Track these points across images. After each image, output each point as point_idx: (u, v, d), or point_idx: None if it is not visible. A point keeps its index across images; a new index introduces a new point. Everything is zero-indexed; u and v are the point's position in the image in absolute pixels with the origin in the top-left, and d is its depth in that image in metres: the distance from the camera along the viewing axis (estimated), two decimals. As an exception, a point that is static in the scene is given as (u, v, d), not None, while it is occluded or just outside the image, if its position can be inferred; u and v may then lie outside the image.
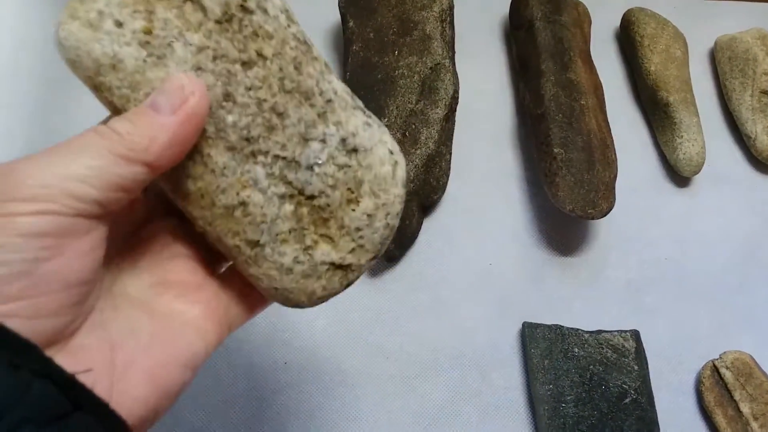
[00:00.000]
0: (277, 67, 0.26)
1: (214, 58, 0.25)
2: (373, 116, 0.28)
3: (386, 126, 0.47)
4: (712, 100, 0.58)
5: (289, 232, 0.27)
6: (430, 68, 0.49)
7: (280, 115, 0.26)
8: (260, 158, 0.26)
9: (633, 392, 0.44)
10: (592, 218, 0.47)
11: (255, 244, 0.26)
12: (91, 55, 0.24)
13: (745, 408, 0.45)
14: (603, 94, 0.53)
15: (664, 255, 0.52)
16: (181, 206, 0.26)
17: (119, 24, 0.24)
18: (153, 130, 0.22)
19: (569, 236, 0.52)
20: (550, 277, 0.50)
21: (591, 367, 0.44)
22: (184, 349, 0.24)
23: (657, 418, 0.44)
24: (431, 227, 0.51)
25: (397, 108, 0.48)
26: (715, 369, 0.46)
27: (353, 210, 0.28)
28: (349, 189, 0.27)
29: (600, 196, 0.47)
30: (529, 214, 0.52)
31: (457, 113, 0.53)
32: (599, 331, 0.46)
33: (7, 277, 0.19)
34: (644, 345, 0.47)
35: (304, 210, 0.27)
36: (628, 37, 0.58)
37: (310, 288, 0.28)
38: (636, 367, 0.45)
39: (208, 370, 0.43)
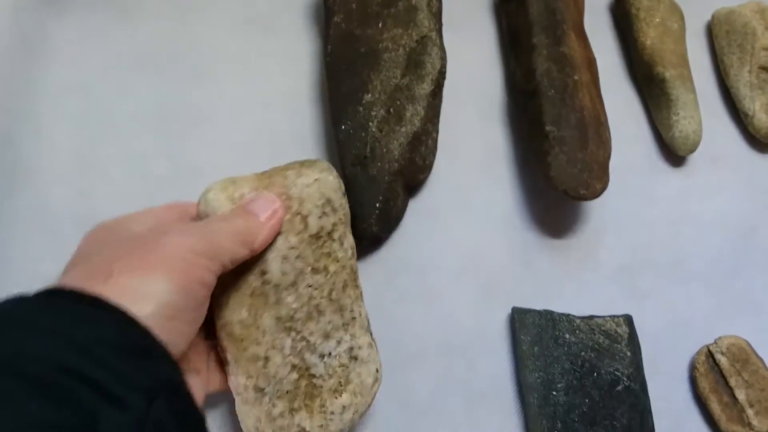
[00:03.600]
0: (332, 282, 0.36)
1: (297, 257, 0.35)
2: (375, 342, 0.39)
3: (370, 102, 0.45)
4: (708, 76, 0.56)
5: (287, 392, 0.35)
6: (416, 41, 0.46)
7: (320, 312, 0.36)
8: (293, 334, 0.35)
9: (626, 379, 0.42)
10: (585, 199, 0.45)
11: (259, 390, 0.35)
12: None
13: (740, 395, 0.43)
14: (597, 70, 0.51)
15: (658, 237, 0.50)
16: (219, 333, 0.35)
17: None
18: (258, 229, 0.33)
19: (560, 218, 0.50)
20: (540, 261, 0.48)
21: (582, 353, 0.43)
22: None
23: (650, 405, 0.43)
24: (417, 209, 0.48)
25: (381, 83, 0.45)
26: (710, 354, 0.45)
27: (336, 398, 0.36)
28: (339, 382, 0.37)
29: (593, 176, 0.45)
30: (519, 195, 0.50)
31: (444, 89, 0.50)
32: (591, 317, 0.45)
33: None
34: (639, 329, 0.46)
35: (303, 382, 0.36)
36: (623, 10, 0.55)
37: None
38: (629, 354, 0.43)
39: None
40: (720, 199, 0.52)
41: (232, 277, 0.35)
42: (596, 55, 0.52)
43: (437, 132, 0.49)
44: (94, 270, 0.28)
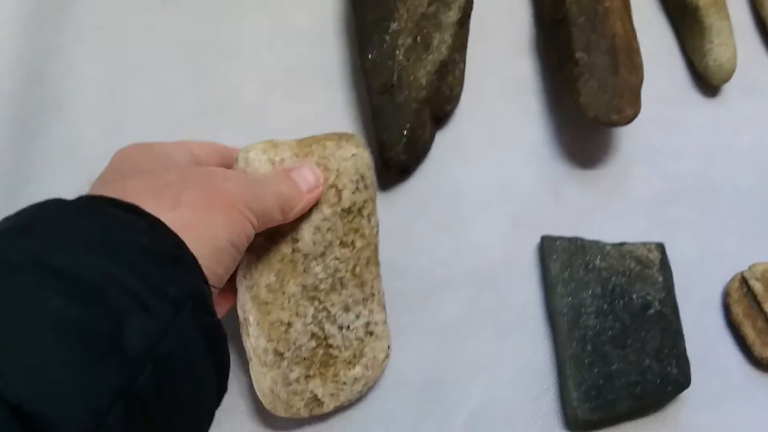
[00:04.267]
0: (357, 257, 0.37)
1: (328, 229, 0.36)
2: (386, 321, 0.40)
3: (396, 30, 0.45)
4: (743, 6, 0.55)
5: (304, 359, 0.36)
6: (443, -32, 0.46)
7: (343, 285, 0.37)
8: (315, 303, 0.36)
9: (657, 303, 0.42)
10: (617, 125, 0.44)
11: (279, 354, 0.36)
12: None
13: (775, 319, 0.43)
14: (628, -3, 0.50)
15: (690, 167, 0.49)
16: (243, 293, 0.36)
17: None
18: (299, 200, 0.34)
19: (590, 148, 0.49)
20: (569, 191, 0.48)
21: (613, 278, 0.42)
22: None
23: (682, 329, 0.42)
24: (444, 140, 0.48)
25: (407, 11, 0.45)
26: (744, 281, 0.44)
27: (349, 369, 0.38)
28: (354, 354, 0.38)
29: (625, 102, 0.44)
30: (547, 126, 0.49)
31: (471, 22, 0.50)
32: (622, 243, 0.44)
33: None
34: (671, 258, 0.45)
35: (320, 351, 0.37)
36: (654, -62, 0.54)
37: (292, 402, 0.37)
38: (661, 279, 0.43)
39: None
40: (755, 128, 0.50)
41: (263, 241, 0.35)
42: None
43: (464, 62, 0.48)
44: (159, 190, 0.27)
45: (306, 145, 0.37)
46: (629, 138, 0.49)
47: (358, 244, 0.37)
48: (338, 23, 0.50)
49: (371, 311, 0.38)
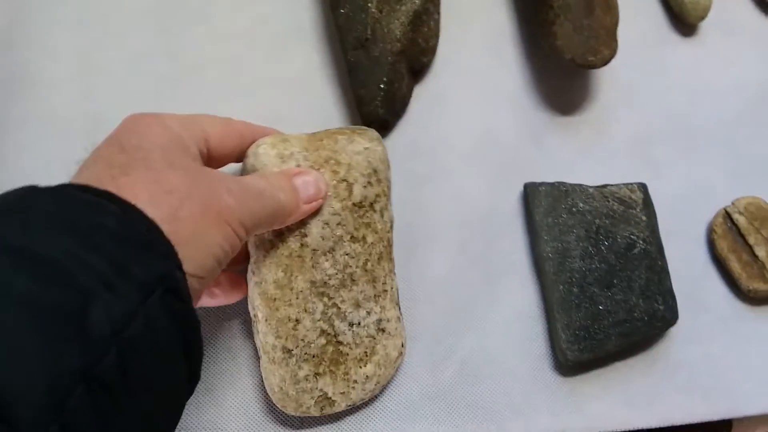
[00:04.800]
0: (369, 252, 0.37)
1: (338, 224, 0.36)
2: (402, 318, 0.39)
3: (368, -18, 0.44)
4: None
5: (313, 356, 0.36)
6: None
7: (354, 281, 0.36)
8: (325, 299, 0.36)
9: (641, 242, 0.42)
10: (593, 66, 0.44)
11: (287, 351, 0.36)
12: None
13: (761, 251, 0.43)
14: (601, -62, 0.49)
15: (671, 107, 0.49)
16: (252, 289, 0.36)
17: (298, 165, 0.35)
18: (295, 212, 0.33)
19: (570, 95, 0.49)
20: (551, 138, 0.47)
21: (597, 220, 0.43)
22: None
23: (667, 266, 0.43)
24: (423, 93, 0.48)
25: (378, -38, 0.44)
26: (728, 216, 0.44)
27: (360, 367, 0.37)
28: (365, 352, 0.37)
29: (601, 42, 0.44)
30: (526, 75, 0.49)
31: (444, -27, 0.49)
32: (604, 185, 0.44)
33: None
34: (654, 198, 0.45)
35: (330, 348, 0.36)
36: None
37: (302, 401, 0.36)
38: (644, 218, 0.43)
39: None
40: (733, 65, 0.50)
41: (272, 237, 0.35)
42: (600, -71, 0.51)
43: (439, 14, 0.47)
44: (159, 198, 0.26)
45: (317, 139, 0.37)
46: (609, 82, 0.49)
47: (370, 239, 0.37)
48: (310, -20, 0.49)
49: (383, 308, 0.38)
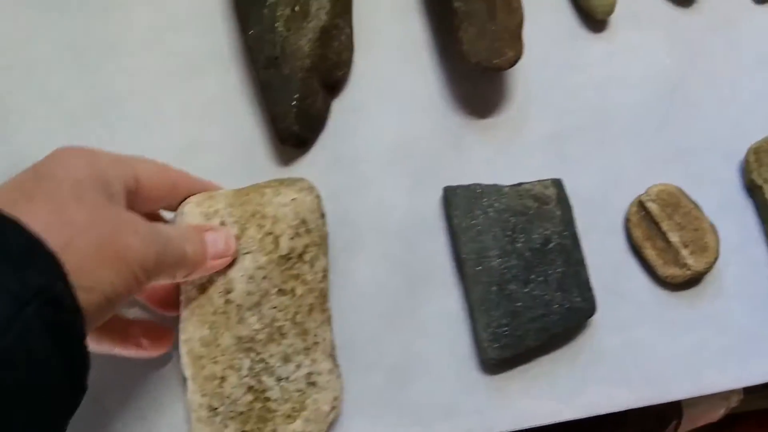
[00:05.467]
0: (298, 304, 0.37)
1: (264, 278, 0.36)
2: (339, 370, 0.39)
3: (274, 2, 0.45)
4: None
5: (240, 413, 0.36)
6: (313, -65, 0.46)
7: (282, 335, 0.36)
8: (252, 355, 0.36)
9: (557, 237, 0.43)
10: (500, 68, 0.45)
11: (212, 409, 0.36)
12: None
13: (674, 237, 0.44)
14: (504, -57, 0.50)
15: (584, 102, 0.50)
16: (181, 348, 0.36)
17: (222, 223, 0.36)
18: (201, 265, 0.34)
19: (486, 97, 0.50)
20: (469, 141, 0.48)
21: (512, 219, 0.43)
22: None
23: (583, 258, 0.44)
24: (342, 107, 0.48)
25: (282, -18, 0.45)
26: (641, 204, 0.46)
27: (288, 424, 0.37)
28: (294, 408, 0.37)
29: (505, 45, 0.45)
30: (442, 80, 0.50)
31: (356, -14, 0.50)
32: (519, 184, 0.45)
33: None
34: (572, 192, 0.46)
35: (257, 405, 0.36)
36: None
37: None
38: (558, 213, 0.44)
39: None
40: (643, 57, 0.51)
41: (197, 294, 0.36)
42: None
43: (351, 28, 0.48)
44: (56, 227, 0.27)
45: (243, 194, 0.37)
46: (523, 82, 0.50)
47: (299, 291, 0.37)
48: (223, 5, 0.50)
49: (314, 360, 0.37)
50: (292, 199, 0.38)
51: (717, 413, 0.60)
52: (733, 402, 0.62)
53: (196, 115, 0.47)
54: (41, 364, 0.23)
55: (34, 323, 0.23)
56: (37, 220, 0.26)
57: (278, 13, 0.45)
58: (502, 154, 0.48)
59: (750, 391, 0.66)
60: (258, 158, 0.47)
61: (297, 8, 0.45)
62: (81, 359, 0.26)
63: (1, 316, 0.22)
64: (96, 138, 0.46)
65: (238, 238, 0.37)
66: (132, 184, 0.33)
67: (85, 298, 0.26)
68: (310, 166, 0.47)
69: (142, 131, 0.46)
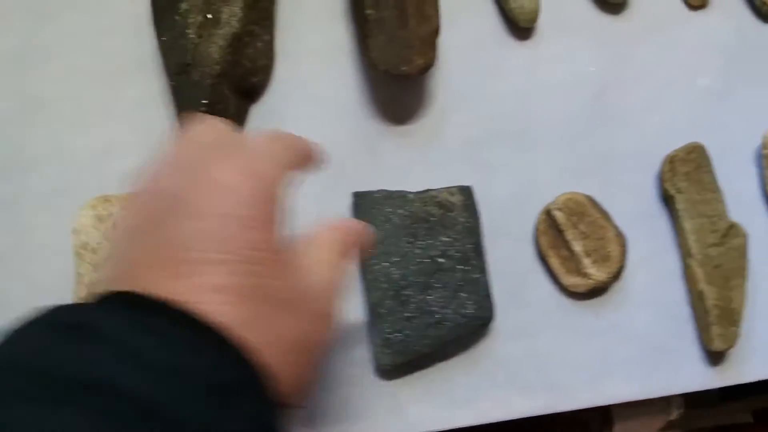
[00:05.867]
0: None
1: None
2: None
3: (186, 10, 0.45)
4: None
5: None
6: (228, -56, 0.47)
7: None
8: None
9: (458, 244, 0.43)
10: (409, 75, 0.45)
11: None
12: (88, 236, 0.39)
13: (577, 246, 0.44)
14: (426, -49, 0.50)
15: (505, 109, 0.50)
16: None
17: (114, 225, 0.38)
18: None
19: (405, 104, 0.50)
20: (386, 147, 0.49)
21: (414, 225, 0.44)
22: None
23: (485, 266, 0.44)
24: (261, 113, 0.49)
25: (196, -11, 0.46)
26: (548, 212, 0.45)
27: None
28: None
29: (415, 52, 0.45)
30: (362, 87, 0.50)
31: (282, -5, 0.51)
32: (426, 190, 0.45)
33: None
34: (486, 199, 0.46)
35: None
36: None
37: None
38: (462, 220, 0.44)
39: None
40: (566, 65, 0.51)
41: None
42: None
43: (271, 35, 0.49)
44: (266, 346, 0.22)
45: None
46: (444, 88, 0.50)
47: None
48: (149, 11, 0.51)
49: None
50: None
51: (653, 427, 0.59)
52: (673, 415, 0.61)
53: (118, 118, 0.48)
54: None
55: None
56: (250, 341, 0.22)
57: (190, 20, 0.45)
58: (419, 160, 0.48)
59: (697, 406, 0.65)
60: (174, 162, 0.47)
61: (209, 15, 0.46)
62: None
63: None
64: (20, 143, 0.47)
65: None
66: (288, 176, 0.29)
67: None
68: (224, 170, 0.47)
69: (65, 132, 0.47)
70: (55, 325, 0.20)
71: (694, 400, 0.66)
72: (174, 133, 0.38)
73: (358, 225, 0.32)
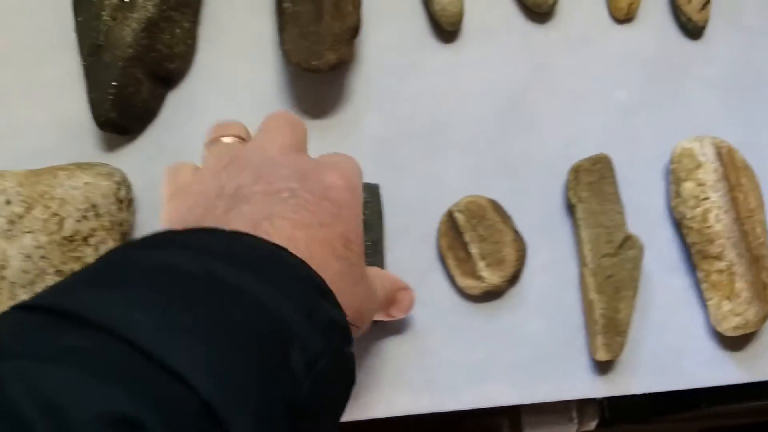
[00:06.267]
0: None
1: (42, 257, 0.37)
2: None
3: (102, -8, 0.45)
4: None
5: None
6: (148, -72, 0.47)
7: None
8: None
9: (354, 240, 0.43)
10: (318, 70, 0.45)
11: None
12: None
13: (473, 249, 0.44)
14: (353, -52, 0.51)
15: (421, 110, 0.50)
16: None
17: (8, 201, 0.38)
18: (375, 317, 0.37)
19: (323, 99, 0.50)
20: (300, 140, 0.49)
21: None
22: None
23: (383, 263, 0.44)
24: (177, 99, 0.49)
25: (113, -28, 0.46)
26: (451, 214, 0.46)
27: None
28: None
29: (327, 48, 0.45)
30: (282, 79, 0.50)
31: (211, -17, 0.51)
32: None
33: None
34: (393, 199, 0.47)
35: None
36: None
37: None
38: (363, 217, 0.44)
39: None
40: (487, 69, 0.51)
41: None
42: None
43: (191, 22, 0.49)
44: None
45: (36, 175, 0.39)
46: (363, 86, 0.51)
47: None
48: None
49: None
50: (85, 183, 0.39)
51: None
52: (591, 426, 0.61)
53: (32, 98, 0.48)
54: (337, 387, 0.27)
55: (335, 355, 0.26)
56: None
57: (105, 2, 0.45)
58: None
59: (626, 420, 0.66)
60: (83, 143, 0.47)
61: (125, -1, 0.46)
62: (354, 377, 0.29)
63: (318, 344, 0.24)
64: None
65: (21, 216, 0.38)
66: None
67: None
68: (134, 153, 0.48)
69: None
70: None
71: (620, 413, 0.66)
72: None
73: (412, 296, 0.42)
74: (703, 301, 0.46)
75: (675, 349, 0.46)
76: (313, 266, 0.27)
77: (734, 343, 0.46)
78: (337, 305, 0.27)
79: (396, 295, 0.40)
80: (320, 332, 0.25)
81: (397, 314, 0.41)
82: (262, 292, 0.24)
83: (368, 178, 0.47)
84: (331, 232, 0.30)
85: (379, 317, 0.40)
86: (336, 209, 0.32)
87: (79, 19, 0.46)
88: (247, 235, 0.27)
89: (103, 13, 0.45)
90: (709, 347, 0.46)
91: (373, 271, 0.37)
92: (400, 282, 0.41)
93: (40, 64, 0.49)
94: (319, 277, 0.27)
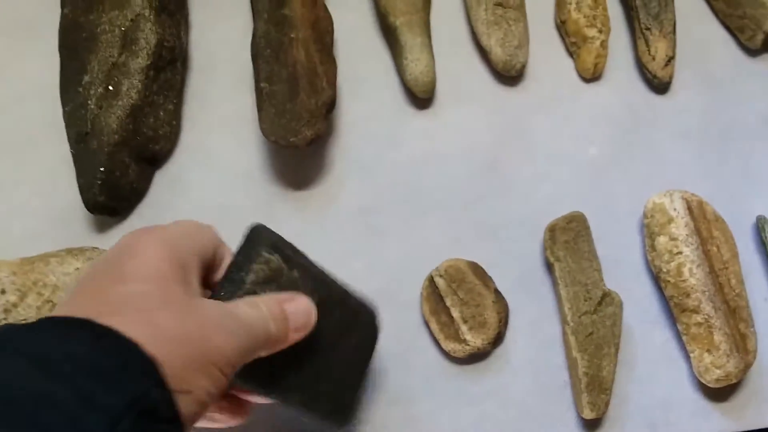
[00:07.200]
0: None
1: None
2: None
3: (89, 82, 0.48)
4: (458, 21, 0.58)
5: None
6: (131, 20, 0.49)
7: None
8: None
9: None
10: (296, 146, 0.47)
11: None
12: None
13: (455, 312, 0.45)
14: (328, 27, 0.53)
15: (400, 177, 0.52)
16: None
17: (2, 291, 0.40)
18: (283, 341, 0.32)
19: (304, 170, 0.52)
20: (282, 212, 0.50)
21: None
22: None
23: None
24: (164, 178, 0.51)
25: (98, 63, 0.48)
26: (432, 279, 0.47)
27: None
28: None
29: (303, 124, 0.47)
30: (265, 154, 0.52)
31: (195, 61, 0.54)
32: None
33: None
34: (376, 265, 0.48)
35: None
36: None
37: None
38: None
39: None
40: (463, 135, 0.53)
41: None
42: (348, 14, 0.55)
43: (174, 103, 0.51)
44: (150, 339, 0.25)
45: (29, 263, 0.40)
46: (343, 156, 0.52)
47: None
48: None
49: None
50: (76, 269, 0.41)
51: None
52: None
53: (27, 183, 0.50)
54: None
55: None
56: (129, 333, 0.25)
57: (91, 92, 0.48)
58: (314, 226, 0.50)
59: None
60: (76, 226, 0.49)
61: (110, 87, 0.48)
62: None
63: None
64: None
65: (15, 305, 0.39)
66: (209, 252, 0.34)
67: (181, 405, 0.26)
68: (124, 233, 0.49)
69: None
70: None
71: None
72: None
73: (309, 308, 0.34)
74: (686, 353, 0.47)
75: (661, 401, 0.47)
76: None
77: (719, 393, 0.47)
78: (140, 377, 0.24)
79: (281, 315, 0.33)
80: (100, 418, 0.22)
81: (300, 330, 0.33)
82: (22, 391, 0.22)
83: (354, 248, 0.49)
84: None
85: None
86: None
87: (66, 108, 0.48)
88: (44, 322, 0.25)
89: (89, 102, 0.47)
90: (695, 398, 0.47)
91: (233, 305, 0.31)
92: (279, 299, 0.33)
93: (31, 151, 0.51)
94: (125, 343, 0.24)
